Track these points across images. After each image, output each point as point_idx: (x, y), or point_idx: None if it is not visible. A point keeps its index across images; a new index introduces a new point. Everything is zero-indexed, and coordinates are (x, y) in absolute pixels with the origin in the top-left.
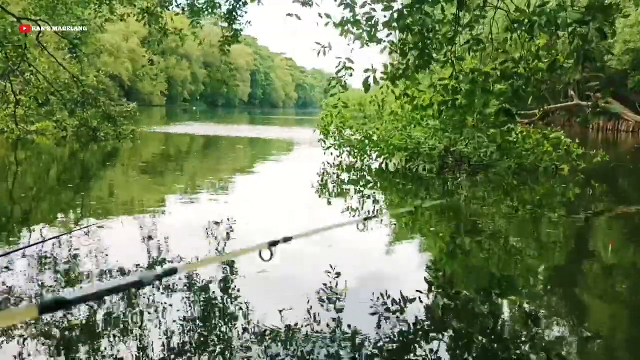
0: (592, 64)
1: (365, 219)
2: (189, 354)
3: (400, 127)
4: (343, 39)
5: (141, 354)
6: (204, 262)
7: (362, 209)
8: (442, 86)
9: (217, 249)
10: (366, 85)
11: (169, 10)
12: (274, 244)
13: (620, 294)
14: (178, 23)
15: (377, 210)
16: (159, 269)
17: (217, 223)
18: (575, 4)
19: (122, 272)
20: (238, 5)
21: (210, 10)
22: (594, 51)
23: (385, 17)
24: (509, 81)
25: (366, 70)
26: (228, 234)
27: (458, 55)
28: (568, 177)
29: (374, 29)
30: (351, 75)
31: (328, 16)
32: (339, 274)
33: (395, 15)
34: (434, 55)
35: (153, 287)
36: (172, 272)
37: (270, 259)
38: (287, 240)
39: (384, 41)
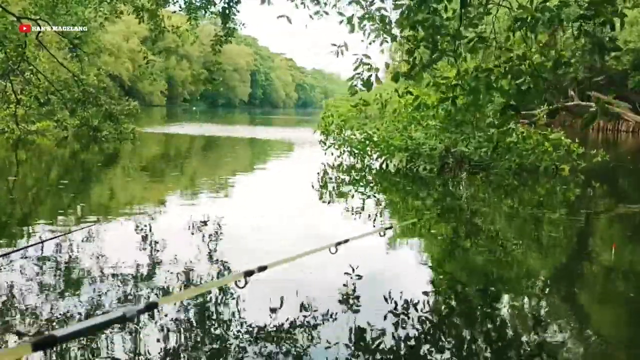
0: (605, 55)
1: (338, 243)
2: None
3: (401, 127)
4: (359, 36)
5: None
6: (182, 296)
7: (362, 211)
8: (444, 84)
9: (209, 253)
10: (368, 84)
11: (165, 7)
12: (249, 273)
13: (622, 294)
14: (176, 20)
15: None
16: (140, 305)
17: (212, 225)
18: (579, 0)
19: (120, 274)
20: (231, 4)
21: (206, 9)
22: (605, 42)
23: (394, 13)
24: (514, 78)
25: (369, 69)
26: (222, 238)
27: (463, 52)
28: (568, 177)
29: (388, 26)
30: (369, 70)
31: (341, 14)
32: (341, 276)
33: (406, 13)
34: (445, 51)
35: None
36: (153, 306)
37: (244, 286)
38: (261, 269)
39: (399, 37)
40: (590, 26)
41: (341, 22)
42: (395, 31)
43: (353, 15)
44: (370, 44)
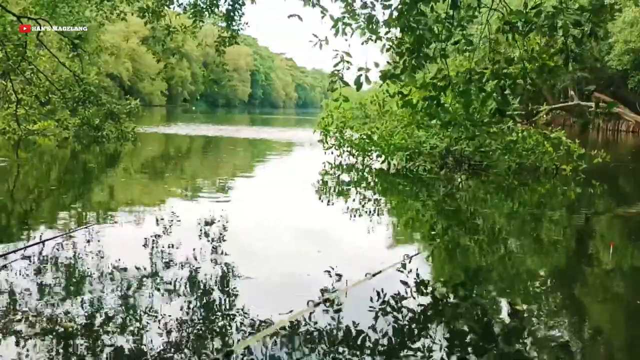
0: (581, 65)
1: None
2: (187, 353)
3: (401, 126)
4: (341, 34)
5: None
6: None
7: (362, 212)
8: (430, 84)
9: (209, 254)
10: (358, 84)
11: (170, 8)
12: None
13: (621, 294)
14: (179, 21)
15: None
16: None
17: (212, 226)
18: (569, 6)
19: (118, 275)
20: (236, 6)
21: (211, 10)
22: (585, 52)
23: (384, 14)
24: (499, 80)
25: (359, 69)
26: (222, 239)
27: (445, 53)
28: (568, 177)
29: (374, 25)
30: (348, 69)
31: (325, 10)
32: (334, 275)
33: (395, 14)
34: (429, 54)
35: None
36: None
37: None
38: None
39: (384, 38)
40: (579, 32)
41: (323, 16)
42: (382, 31)
43: (339, 18)
44: (363, 44)
